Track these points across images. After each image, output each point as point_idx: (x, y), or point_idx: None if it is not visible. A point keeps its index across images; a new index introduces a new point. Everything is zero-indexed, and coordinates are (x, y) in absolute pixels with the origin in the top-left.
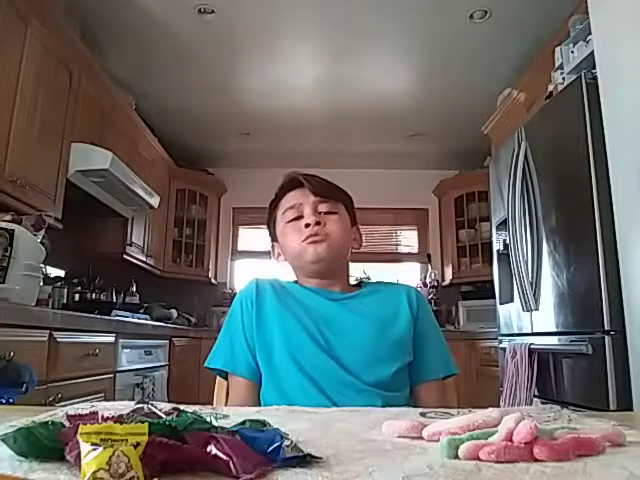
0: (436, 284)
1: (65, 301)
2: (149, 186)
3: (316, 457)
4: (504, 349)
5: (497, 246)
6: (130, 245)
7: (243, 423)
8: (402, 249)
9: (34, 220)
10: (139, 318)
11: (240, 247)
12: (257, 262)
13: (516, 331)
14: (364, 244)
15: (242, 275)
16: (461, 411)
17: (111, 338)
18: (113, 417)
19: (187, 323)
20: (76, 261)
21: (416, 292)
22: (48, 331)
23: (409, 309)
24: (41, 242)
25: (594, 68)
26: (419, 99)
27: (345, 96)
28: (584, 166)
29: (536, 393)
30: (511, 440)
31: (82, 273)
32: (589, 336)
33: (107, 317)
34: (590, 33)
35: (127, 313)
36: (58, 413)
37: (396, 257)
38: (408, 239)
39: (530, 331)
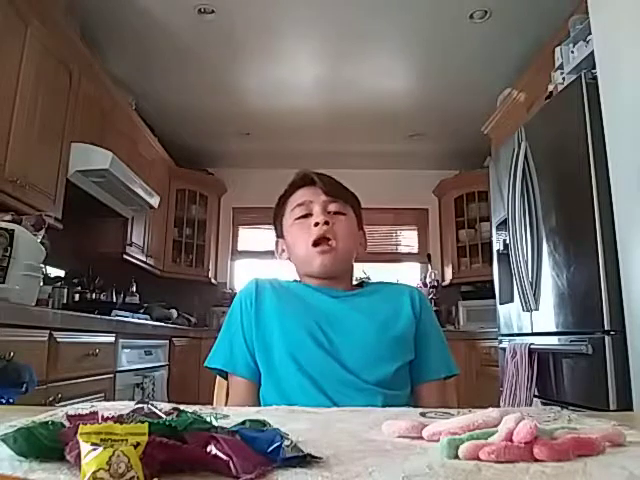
0: (436, 284)
1: (65, 301)
2: (149, 186)
3: (316, 457)
4: (504, 349)
5: (497, 246)
6: (130, 245)
7: (243, 423)
8: (402, 249)
9: (34, 220)
10: (139, 318)
11: (240, 247)
12: (257, 262)
13: (516, 331)
14: None
15: (242, 275)
16: (461, 411)
17: (111, 338)
18: (113, 417)
19: (187, 323)
20: (76, 261)
21: (418, 292)
22: (48, 331)
23: (411, 308)
24: (41, 242)
25: (594, 68)
26: (419, 99)
27: (345, 96)
28: (584, 166)
29: (536, 393)
30: (511, 440)
31: (82, 273)
32: (589, 336)
33: (107, 317)
34: (590, 33)
35: (127, 313)
36: (58, 413)
37: (396, 257)
38: (408, 239)
39: (530, 331)
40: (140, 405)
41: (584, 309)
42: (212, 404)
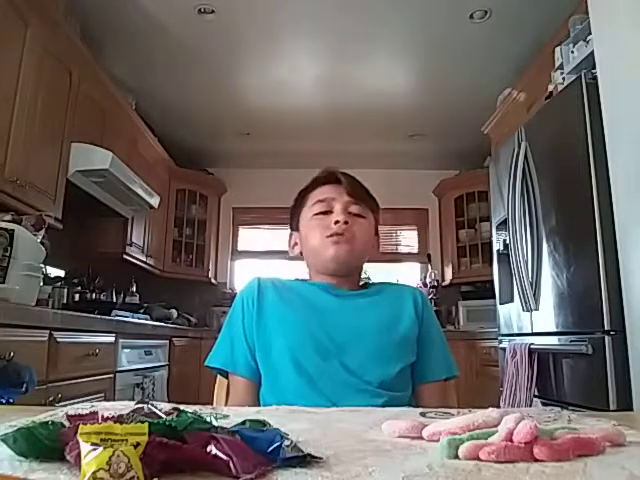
0: (436, 284)
1: (65, 301)
2: (149, 186)
3: (316, 457)
4: (504, 349)
5: (497, 246)
6: (130, 245)
7: (243, 423)
8: (402, 249)
9: (34, 220)
10: (139, 318)
11: (240, 247)
12: (257, 262)
13: (516, 331)
14: None
15: (242, 275)
16: (461, 411)
17: (111, 338)
18: (113, 417)
19: (187, 323)
20: (76, 261)
21: (420, 293)
22: (48, 331)
23: (414, 310)
24: (41, 242)
25: (594, 68)
26: (419, 99)
27: (345, 96)
28: (584, 166)
29: (536, 393)
30: (511, 440)
31: (82, 273)
32: (589, 336)
33: (107, 317)
34: (590, 33)
35: (127, 313)
36: (58, 413)
37: (396, 257)
38: (408, 239)
39: (530, 331)
40: (140, 405)
41: (584, 309)
42: (212, 404)
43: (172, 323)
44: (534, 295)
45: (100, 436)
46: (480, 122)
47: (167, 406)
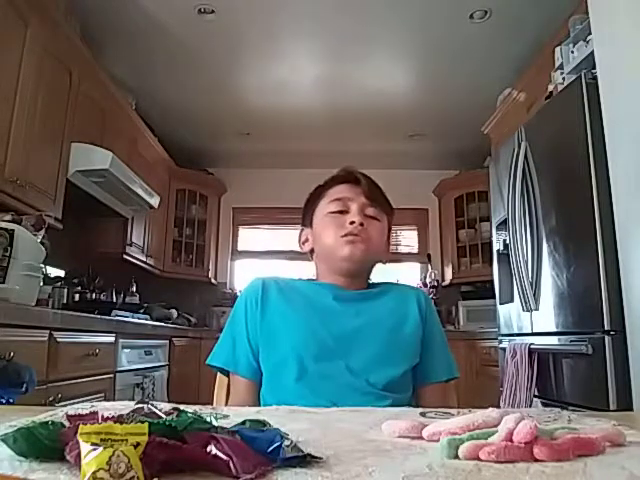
0: (436, 284)
1: (65, 301)
2: (149, 186)
3: (316, 457)
4: (504, 349)
5: (497, 246)
6: (130, 245)
7: (243, 423)
8: (402, 249)
9: (34, 220)
10: (139, 318)
11: (240, 247)
12: (257, 262)
13: (516, 331)
14: None
15: (242, 275)
16: (461, 411)
17: (111, 338)
18: (113, 417)
19: (187, 323)
20: (76, 261)
21: (424, 295)
22: (48, 331)
23: (418, 312)
24: (41, 242)
25: (594, 68)
26: (419, 99)
27: (345, 96)
28: (584, 166)
29: (536, 393)
30: (511, 440)
31: (82, 273)
32: (589, 336)
33: (107, 317)
34: (590, 33)
35: (127, 313)
36: (58, 413)
37: (396, 257)
38: (408, 239)
39: (530, 331)
40: (140, 405)
41: (584, 309)
42: (212, 404)
43: (172, 323)
44: (534, 295)
45: (100, 436)
46: (480, 122)
47: (167, 406)
